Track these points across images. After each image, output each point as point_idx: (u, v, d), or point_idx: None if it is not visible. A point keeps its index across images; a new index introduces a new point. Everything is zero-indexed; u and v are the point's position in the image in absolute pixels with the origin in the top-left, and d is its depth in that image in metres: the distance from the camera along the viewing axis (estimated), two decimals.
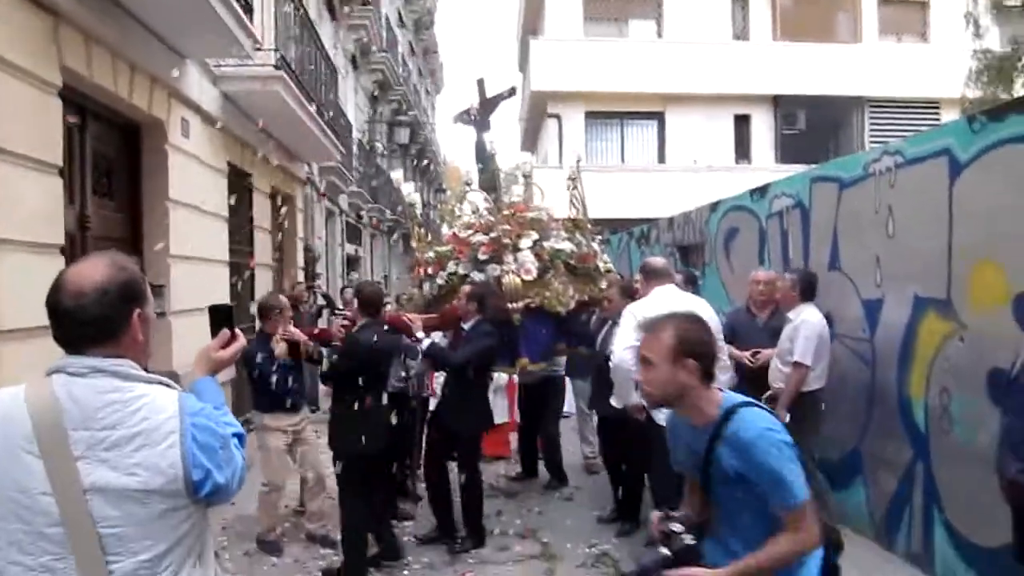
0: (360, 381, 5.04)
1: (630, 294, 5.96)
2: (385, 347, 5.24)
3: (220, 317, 2.30)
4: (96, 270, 1.83)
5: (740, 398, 2.48)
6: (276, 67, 8.13)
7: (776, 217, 7.32)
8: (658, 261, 5.47)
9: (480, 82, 7.61)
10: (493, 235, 6.39)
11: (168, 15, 5.83)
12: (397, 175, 7.88)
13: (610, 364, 5.02)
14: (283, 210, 10.51)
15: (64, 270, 1.87)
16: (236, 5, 6.18)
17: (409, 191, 7.41)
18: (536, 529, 6.27)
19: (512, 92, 7.94)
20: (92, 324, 1.80)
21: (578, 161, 7.16)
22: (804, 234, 6.78)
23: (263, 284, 9.89)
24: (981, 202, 4.60)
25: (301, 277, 12.14)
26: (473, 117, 7.42)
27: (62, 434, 1.74)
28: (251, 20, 6.80)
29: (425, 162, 33.01)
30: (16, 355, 4.31)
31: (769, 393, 5.64)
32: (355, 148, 17.12)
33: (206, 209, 7.49)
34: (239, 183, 8.98)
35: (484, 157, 7.15)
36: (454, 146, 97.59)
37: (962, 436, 4.75)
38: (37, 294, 4.39)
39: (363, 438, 5.01)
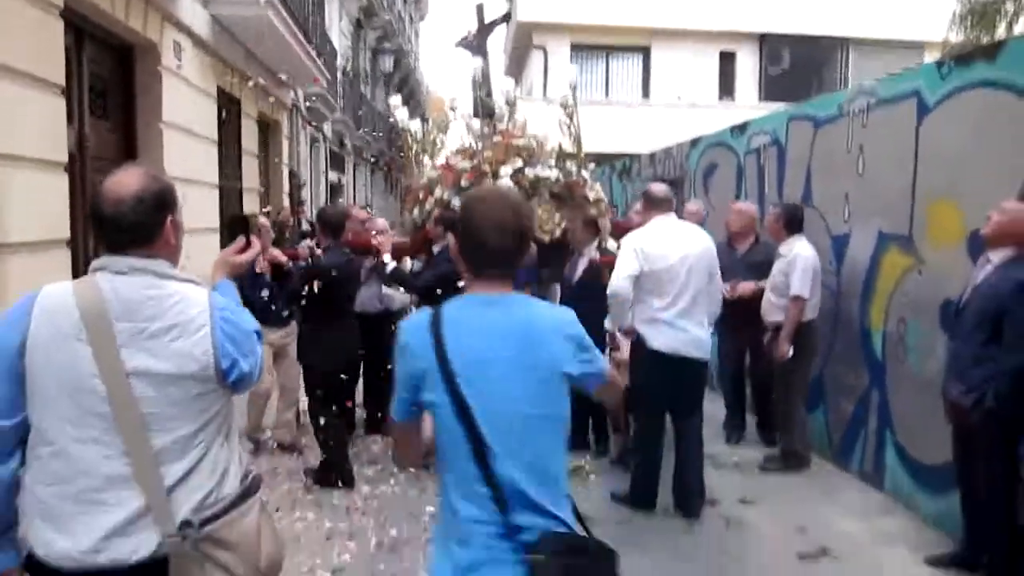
0: (321, 300, 5.26)
1: (594, 226, 6.09)
2: (345, 268, 5.39)
3: (237, 225, 2.55)
4: (133, 180, 2.04)
5: (469, 297, 2.12)
6: None
7: (754, 154, 7.56)
8: (660, 188, 5.31)
9: (479, 8, 7.66)
10: (474, 162, 6.40)
11: None
12: (395, 100, 7.85)
13: (609, 291, 5.01)
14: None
15: (102, 181, 2.07)
16: None
17: (404, 117, 7.45)
18: None
19: (507, 17, 7.99)
20: (130, 230, 2.02)
21: (573, 89, 7.05)
22: (780, 170, 7.03)
23: (251, 208, 10.03)
24: (944, 144, 4.86)
25: (287, 203, 12.27)
26: (471, 43, 7.47)
27: (107, 324, 1.96)
28: None
29: (408, 91, 32.80)
30: (23, 267, 4.50)
31: (771, 328, 5.86)
32: (339, 75, 17.07)
33: (197, 132, 7.60)
34: (228, 108, 9.06)
35: (477, 82, 7.20)
36: (438, 75, 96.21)
37: (915, 364, 5.08)
38: (43, 209, 4.66)
39: (327, 355, 5.33)
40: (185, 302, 2.04)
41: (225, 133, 8.85)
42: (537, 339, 2.02)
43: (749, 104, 19.96)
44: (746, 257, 6.40)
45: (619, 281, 4.91)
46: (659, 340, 4.95)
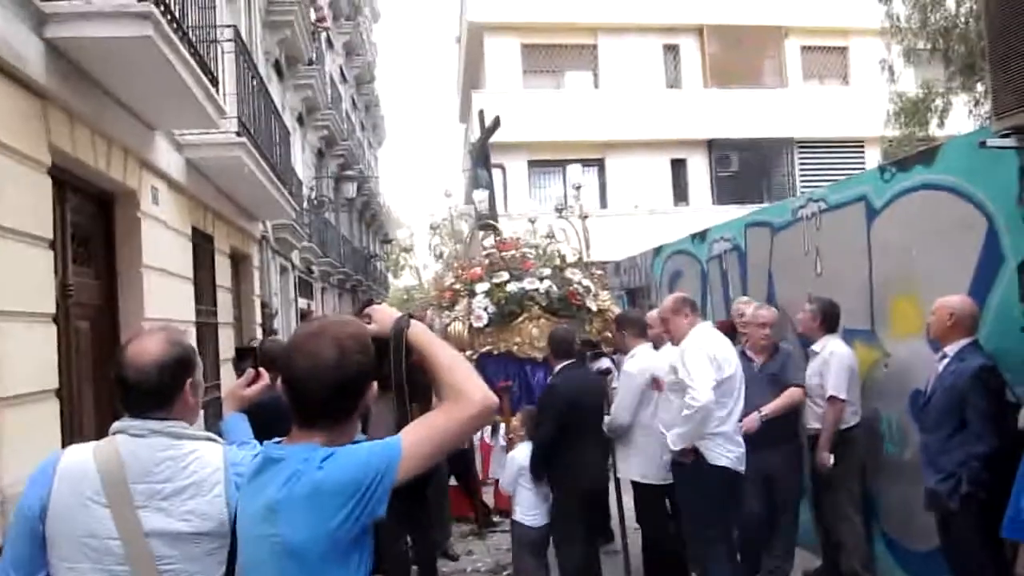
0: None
1: (565, 343, 5.42)
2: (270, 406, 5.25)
3: (245, 357, 2.68)
4: (154, 347, 2.17)
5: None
6: (238, 133, 8.48)
7: (716, 260, 7.89)
8: (689, 298, 5.30)
9: (480, 113, 7.71)
10: (450, 281, 6.14)
11: (143, 92, 6.17)
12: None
13: (693, 404, 4.61)
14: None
15: (125, 346, 2.22)
16: (205, 80, 6.55)
17: (406, 236, 7.30)
18: (506, 565, 6.59)
19: (497, 123, 7.91)
20: (152, 394, 2.15)
21: (577, 188, 6.75)
22: (742, 274, 7.33)
23: (225, 342, 10.10)
24: (895, 242, 5.17)
25: (259, 334, 12.35)
26: (471, 150, 7.49)
27: (125, 486, 2.07)
28: (217, 91, 7.17)
29: (371, 214, 33.40)
30: (18, 419, 4.55)
31: (811, 433, 5.45)
32: (305, 204, 17.44)
33: (175, 272, 7.76)
34: (202, 245, 9.26)
35: (480, 188, 6.97)
36: (399, 197, 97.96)
37: (892, 453, 5.26)
38: (34, 361, 4.72)
39: None
40: (200, 461, 2.14)
41: (200, 269, 9.02)
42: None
43: (703, 207, 20.69)
44: (765, 369, 5.63)
45: (707, 392, 4.58)
46: (722, 456, 4.75)
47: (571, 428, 5.21)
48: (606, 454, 5.68)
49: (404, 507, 6.02)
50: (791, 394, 5.44)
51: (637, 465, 5.58)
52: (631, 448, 5.63)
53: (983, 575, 4.07)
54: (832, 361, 5.35)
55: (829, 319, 5.51)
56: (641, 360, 5.60)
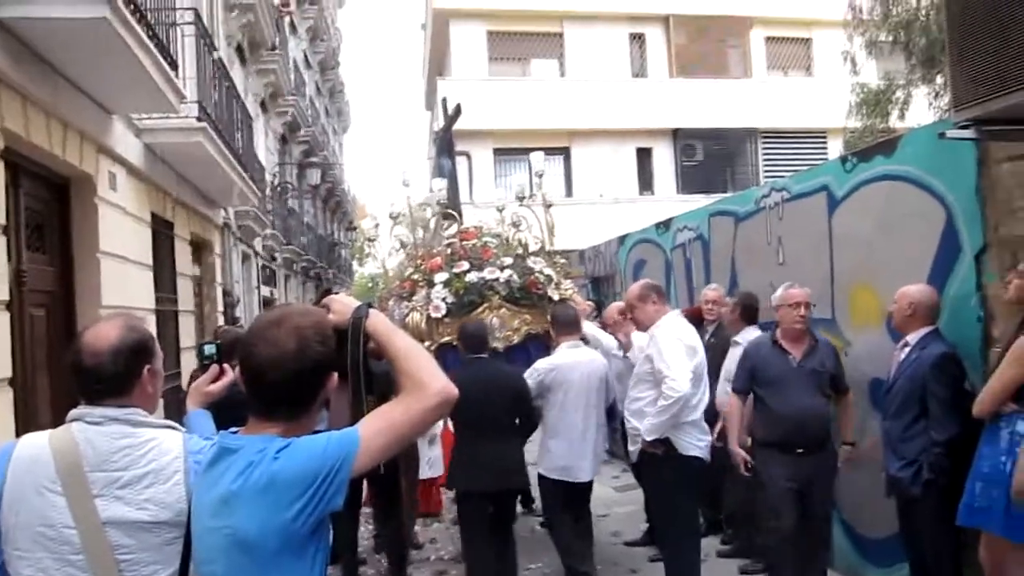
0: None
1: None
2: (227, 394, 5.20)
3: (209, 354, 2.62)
4: (111, 332, 2.12)
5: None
6: (198, 119, 8.34)
7: (680, 249, 7.92)
8: (656, 284, 5.23)
9: (443, 101, 7.67)
10: (410, 271, 6.07)
11: (100, 75, 6.03)
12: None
13: (671, 394, 4.48)
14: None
15: (82, 332, 2.16)
16: (165, 64, 6.42)
17: (370, 225, 6.91)
18: None
19: (458, 111, 7.85)
20: (108, 380, 2.09)
21: (540, 175, 6.69)
22: (705, 263, 7.38)
23: (186, 330, 9.97)
24: (855, 233, 5.22)
25: (222, 322, 12.20)
26: (435, 138, 7.49)
27: (81, 474, 2.02)
28: (176, 75, 7.04)
29: (335, 201, 33.12)
30: None
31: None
32: (268, 191, 17.23)
33: (133, 259, 7.62)
34: (162, 232, 9.11)
35: (443, 177, 6.92)
36: (363, 184, 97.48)
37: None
38: None
39: None
40: (158, 450, 2.09)
41: (159, 257, 8.88)
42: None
43: (668, 196, 20.79)
44: (805, 364, 4.86)
45: (686, 382, 4.49)
46: (693, 446, 4.70)
47: (465, 426, 5.12)
48: (516, 454, 5.29)
49: (382, 500, 6.01)
50: (849, 403, 5.06)
51: (544, 461, 5.55)
52: (539, 446, 5.61)
53: (941, 561, 4.14)
54: None
55: (747, 311, 5.79)
56: (553, 358, 5.48)
